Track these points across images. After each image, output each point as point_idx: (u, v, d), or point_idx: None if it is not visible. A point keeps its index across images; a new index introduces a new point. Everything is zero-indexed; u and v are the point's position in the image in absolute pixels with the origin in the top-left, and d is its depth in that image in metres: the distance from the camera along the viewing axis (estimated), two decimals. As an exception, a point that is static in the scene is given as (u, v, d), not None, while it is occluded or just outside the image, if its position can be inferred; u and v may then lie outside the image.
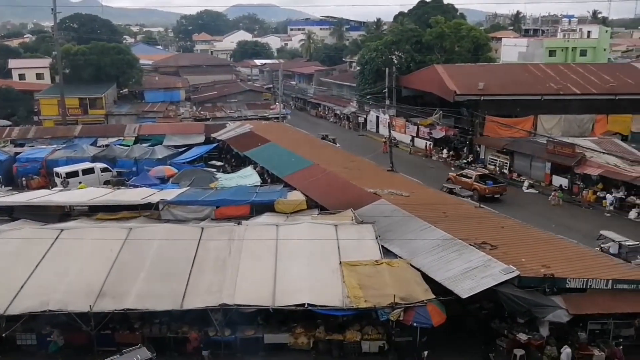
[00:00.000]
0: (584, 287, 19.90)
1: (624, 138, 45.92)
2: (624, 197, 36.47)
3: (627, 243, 26.86)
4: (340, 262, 21.80)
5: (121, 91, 71.11)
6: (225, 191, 31.42)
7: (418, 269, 21.45)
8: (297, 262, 21.98)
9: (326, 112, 76.75)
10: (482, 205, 29.38)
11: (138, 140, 47.35)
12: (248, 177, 36.02)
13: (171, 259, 22.32)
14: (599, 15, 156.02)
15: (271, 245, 23.16)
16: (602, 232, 29.09)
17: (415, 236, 23.85)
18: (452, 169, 46.41)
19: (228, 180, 35.34)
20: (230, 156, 45.57)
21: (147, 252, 22.77)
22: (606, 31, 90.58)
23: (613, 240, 27.27)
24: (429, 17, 75.41)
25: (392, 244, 23.61)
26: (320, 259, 22.27)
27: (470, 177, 40.04)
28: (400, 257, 22.47)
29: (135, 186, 35.29)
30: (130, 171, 40.21)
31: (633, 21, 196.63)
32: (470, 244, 22.40)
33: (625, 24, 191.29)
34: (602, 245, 27.58)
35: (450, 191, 37.37)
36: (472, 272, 20.46)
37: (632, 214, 34.98)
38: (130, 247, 23.24)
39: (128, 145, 45.10)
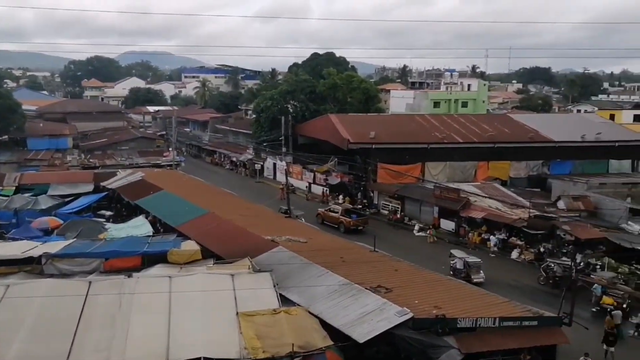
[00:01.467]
0: (474, 326, 20.70)
1: (504, 183, 49.35)
2: (506, 238, 38.88)
3: (470, 260, 32.86)
4: (237, 313, 21.26)
5: (0, 138, 66.69)
6: (114, 242, 29.94)
7: (316, 316, 21.37)
8: (191, 314, 21.16)
9: (222, 160, 76.19)
10: (377, 249, 30.09)
11: (19, 190, 44.32)
12: (139, 227, 34.61)
13: (54, 317, 20.69)
14: (478, 70, 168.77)
15: (164, 298, 22.18)
16: (452, 250, 34.69)
17: (313, 282, 23.84)
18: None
19: (118, 231, 33.75)
20: (120, 205, 43.73)
21: (26, 311, 20.98)
22: (484, 84, 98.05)
23: (459, 258, 32.96)
24: (322, 69, 77.95)
25: (291, 292, 23.44)
26: (216, 310, 21.59)
27: (337, 212, 43.89)
28: (298, 305, 22.32)
29: (14, 239, 32.73)
30: (10, 223, 37.32)
31: (507, 76, 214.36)
32: (366, 288, 22.74)
33: (500, 78, 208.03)
34: (451, 262, 33.07)
35: (286, 212, 40.64)
36: (369, 316, 20.70)
37: (514, 254, 37.29)
38: (6, 306, 21.33)
39: (7, 195, 42.05)
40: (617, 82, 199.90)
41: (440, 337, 20.17)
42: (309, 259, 26.14)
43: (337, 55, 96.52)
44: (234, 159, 72.33)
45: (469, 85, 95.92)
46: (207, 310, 21.45)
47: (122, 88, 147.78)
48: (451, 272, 32.57)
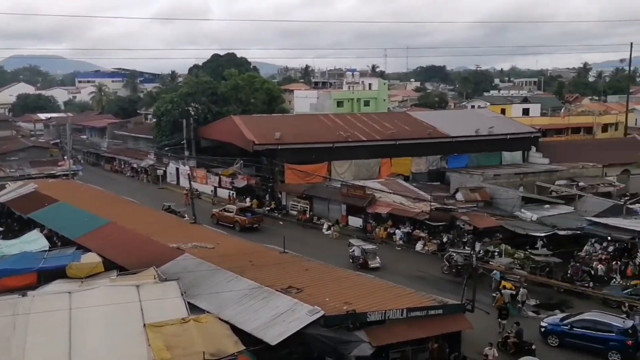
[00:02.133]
0: (383, 318, 21.16)
1: (406, 178, 50.93)
2: (410, 231, 40.15)
3: (366, 247, 35.54)
4: (145, 325, 20.47)
5: None
6: (6, 260, 27.92)
7: (227, 322, 21.00)
8: (95, 330, 20.12)
9: (122, 166, 73.24)
10: (287, 250, 30.05)
11: None
12: (33, 241, 32.41)
13: (-62, 346, 18.97)
14: (377, 69, 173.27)
15: (64, 315, 20.92)
16: (350, 240, 37.28)
17: (222, 288, 23.42)
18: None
19: (9, 247, 31.43)
20: (11, 220, 40.89)
21: None
22: (384, 83, 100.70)
23: (357, 246, 35.45)
24: (223, 70, 77.02)
25: (199, 299, 22.89)
26: (122, 324, 20.66)
27: (232, 212, 44.24)
28: (208, 312, 21.83)
29: None
30: None
31: (406, 74, 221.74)
32: (277, 290, 22.64)
33: (399, 76, 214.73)
34: (350, 251, 35.46)
35: (170, 210, 43.14)
36: (280, 318, 20.63)
37: (418, 246, 38.57)
38: None
39: None
40: (507, 78, 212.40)
41: (351, 332, 20.44)
42: (218, 265, 25.67)
43: (239, 56, 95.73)
44: (135, 166, 69.71)
45: (370, 85, 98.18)
46: (112, 325, 20.49)
47: (9, 95, 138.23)
48: (351, 260, 35.16)
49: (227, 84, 66.90)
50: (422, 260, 36.68)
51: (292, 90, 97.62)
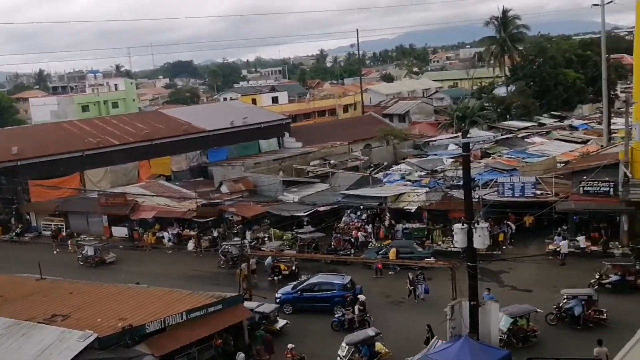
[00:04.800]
0: (163, 326, 20.40)
1: (168, 178, 49.70)
2: (180, 232, 39.37)
3: (98, 245, 37.36)
4: None
5: None
6: None
7: (-19, 371, 18.26)
8: None
9: None
10: (44, 277, 27.11)
11: None
12: None
13: None
14: (123, 69, 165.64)
15: None
16: (82, 242, 38.70)
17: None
18: None
19: None
20: None
21: None
22: (131, 83, 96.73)
23: (90, 246, 36.99)
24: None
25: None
26: None
27: None
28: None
29: None
30: None
31: (154, 72, 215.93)
32: (39, 322, 20.32)
33: (147, 75, 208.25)
34: (82, 252, 36.79)
35: None
36: (48, 352, 18.57)
37: (190, 246, 38.02)
38: None
39: None
40: (254, 69, 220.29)
41: (131, 348, 19.35)
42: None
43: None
44: None
45: (116, 85, 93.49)
46: None
47: None
48: (80, 263, 36.12)
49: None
50: (196, 259, 36.29)
51: (26, 99, 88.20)
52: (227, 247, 34.39)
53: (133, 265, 35.28)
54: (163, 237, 39.21)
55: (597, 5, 42.31)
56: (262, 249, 34.30)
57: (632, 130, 30.37)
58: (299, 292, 27.20)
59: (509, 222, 33.69)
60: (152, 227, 40.27)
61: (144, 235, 39.86)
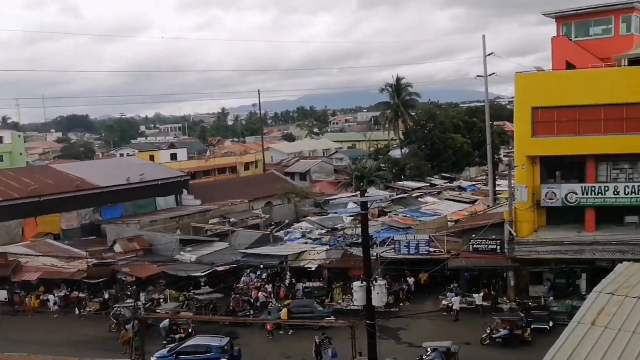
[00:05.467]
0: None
1: (57, 237, 46.74)
2: (68, 293, 36.86)
3: None
4: None
5: None
6: None
7: None
8: None
9: None
10: None
11: None
12: None
13: None
14: (10, 121, 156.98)
15: None
16: None
17: None
18: None
19: None
20: None
21: None
22: (19, 136, 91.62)
23: None
24: None
25: None
26: None
27: None
28: None
29: None
30: None
31: (44, 125, 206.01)
32: None
33: (37, 127, 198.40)
34: None
35: None
36: None
37: (77, 310, 35.55)
38: None
39: None
40: (153, 125, 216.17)
41: None
42: None
43: None
44: None
45: (1, 138, 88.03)
46: None
47: None
48: None
49: None
50: (85, 323, 33.93)
51: None
52: (119, 309, 32.55)
53: (12, 332, 32.33)
54: (48, 299, 36.49)
55: (480, 76, 45.87)
56: (157, 311, 32.78)
57: (514, 192, 32.56)
58: (175, 355, 26.24)
59: (407, 279, 34.65)
60: (35, 290, 37.42)
61: (27, 299, 36.91)
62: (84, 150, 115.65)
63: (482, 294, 32.24)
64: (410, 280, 34.54)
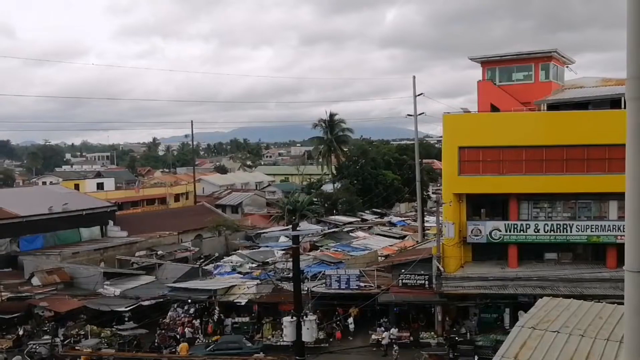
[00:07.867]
0: None
1: (-32, 268, 43.92)
2: (-23, 330, 34.51)
3: None
4: None
5: None
6: None
7: None
8: None
9: None
10: None
11: None
12: None
13: None
14: None
15: None
16: None
17: None
18: None
19: None
20: None
21: None
22: None
23: None
24: None
25: None
26: None
27: None
28: None
29: None
30: None
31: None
32: None
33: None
34: None
35: None
36: None
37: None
38: None
39: None
40: (79, 153, 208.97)
41: None
42: None
43: None
44: None
45: None
46: None
47: None
48: None
49: None
50: (-5, 362, 31.78)
51: None
52: (34, 346, 30.69)
53: None
54: None
55: (410, 115, 47.40)
56: (77, 347, 31.13)
57: (442, 228, 33.44)
58: None
59: (339, 314, 34.56)
60: (-59, 326, 34.81)
61: None
62: (3, 177, 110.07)
63: (408, 327, 32.72)
64: (350, 319, 34.17)
